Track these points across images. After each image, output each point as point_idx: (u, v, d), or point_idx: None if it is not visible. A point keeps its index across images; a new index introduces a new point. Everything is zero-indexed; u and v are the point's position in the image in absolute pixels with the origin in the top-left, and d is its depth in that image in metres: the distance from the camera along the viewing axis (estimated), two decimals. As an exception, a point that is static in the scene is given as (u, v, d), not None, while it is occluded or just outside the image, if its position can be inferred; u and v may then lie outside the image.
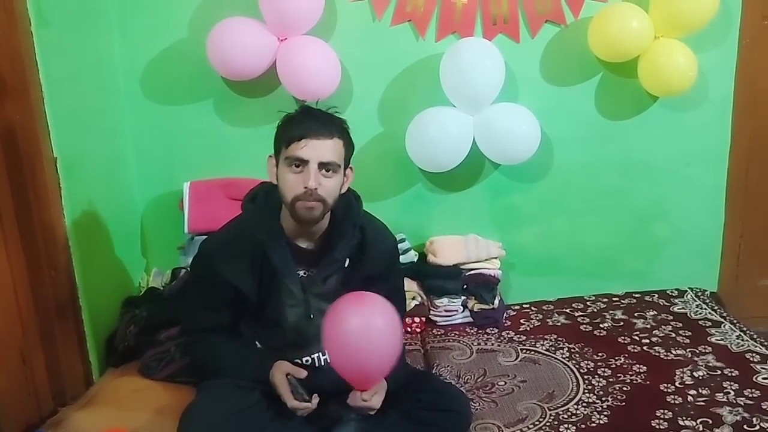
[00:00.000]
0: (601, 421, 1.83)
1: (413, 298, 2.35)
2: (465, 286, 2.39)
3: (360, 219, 1.70)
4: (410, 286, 2.37)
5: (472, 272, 2.40)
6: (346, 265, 1.69)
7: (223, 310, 1.69)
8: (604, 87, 2.44)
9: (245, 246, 1.64)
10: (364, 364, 1.49)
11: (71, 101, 2.03)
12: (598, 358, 2.14)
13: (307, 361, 1.70)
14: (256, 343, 1.72)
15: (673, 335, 2.26)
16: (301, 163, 1.55)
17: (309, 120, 1.58)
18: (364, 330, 1.47)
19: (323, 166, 1.56)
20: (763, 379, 1.97)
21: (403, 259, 2.40)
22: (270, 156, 1.65)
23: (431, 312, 2.39)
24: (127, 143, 2.41)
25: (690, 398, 1.90)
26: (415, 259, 2.46)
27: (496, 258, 2.44)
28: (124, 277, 2.36)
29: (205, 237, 1.90)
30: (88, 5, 2.19)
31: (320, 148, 1.55)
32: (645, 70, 2.34)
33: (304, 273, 1.68)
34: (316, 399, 1.57)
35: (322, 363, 1.71)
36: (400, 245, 2.40)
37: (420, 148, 2.33)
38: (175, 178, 2.39)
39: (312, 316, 1.68)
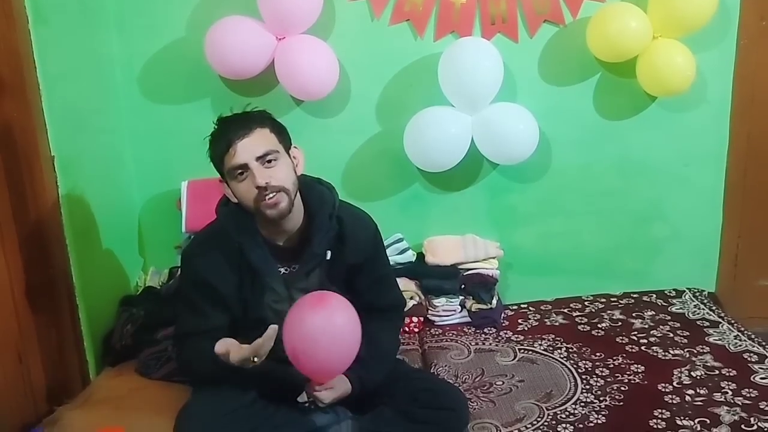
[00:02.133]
0: (599, 421, 1.83)
1: (411, 298, 2.34)
2: (463, 286, 2.39)
3: (335, 210, 1.68)
4: (408, 285, 2.36)
5: (470, 272, 2.40)
6: (328, 257, 1.68)
7: (209, 313, 1.66)
8: (603, 87, 2.44)
9: (223, 247, 1.63)
10: (317, 358, 1.50)
11: (69, 99, 2.03)
12: (596, 357, 2.13)
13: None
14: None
15: (671, 335, 2.26)
16: (241, 168, 1.55)
17: (225, 128, 1.58)
18: (322, 326, 1.47)
19: (261, 158, 1.55)
20: (761, 379, 1.97)
21: (400, 258, 2.41)
22: (220, 180, 1.64)
23: (429, 312, 2.39)
24: (125, 142, 2.40)
25: (688, 398, 1.90)
26: (413, 259, 2.45)
27: (494, 258, 2.44)
28: (121, 276, 2.35)
29: (181, 252, 1.89)
30: (86, 4, 2.19)
31: (249, 146, 1.54)
32: (643, 70, 2.33)
33: (286, 270, 1.68)
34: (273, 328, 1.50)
35: None
36: (397, 245, 2.42)
37: (418, 148, 2.33)
38: (173, 177, 2.38)
39: None
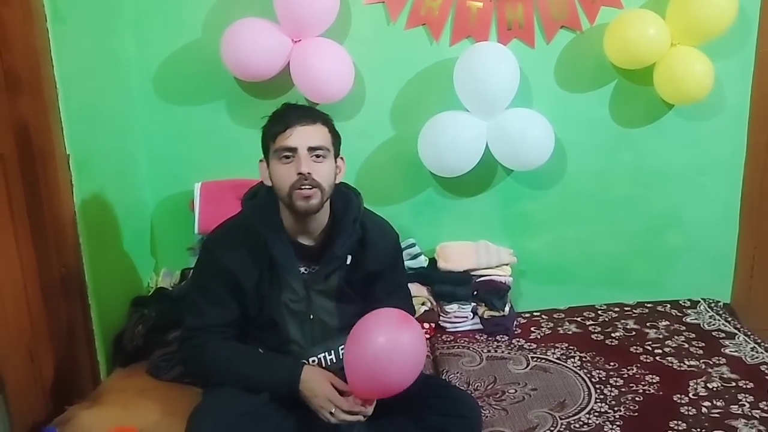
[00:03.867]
0: (614, 431, 1.80)
1: (423, 304, 2.33)
2: (475, 293, 2.37)
3: (360, 215, 1.69)
4: (420, 291, 2.35)
5: (483, 279, 2.38)
6: (348, 262, 1.68)
7: (228, 304, 1.65)
8: (619, 94, 2.42)
9: (247, 240, 1.63)
10: (383, 382, 1.48)
11: (85, 99, 2.03)
12: (610, 367, 2.11)
13: (313, 361, 1.69)
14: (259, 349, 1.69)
15: (686, 346, 2.23)
16: (291, 151, 1.56)
17: (291, 111, 1.61)
18: (391, 350, 1.46)
19: (312, 150, 1.57)
20: (779, 391, 1.95)
21: (412, 264, 2.40)
22: (261, 160, 1.66)
23: (440, 318, 2.37)
24: (139, 143, 2.40)
25: (704, 410, 1.88)
26: (425, 265, 2.44)
27: (507, 265, 2.42)
28: (133, 277, 2.35)
29: (202, 242, 1.89)
30: (104, 4, 2.20)
31: (306, 134, 1.57)
32: (661, 77, 2.32)
33: (306, 270, 1.67)
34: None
35: (329, 363, 1.69)
36: (409, 250, 2.41)
37: (432, 153, 2.32)
38: (186, 179, 2.38)
39: (312, 316, 1.68)
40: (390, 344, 1.46)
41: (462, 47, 2.34)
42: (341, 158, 1.68)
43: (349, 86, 2.28)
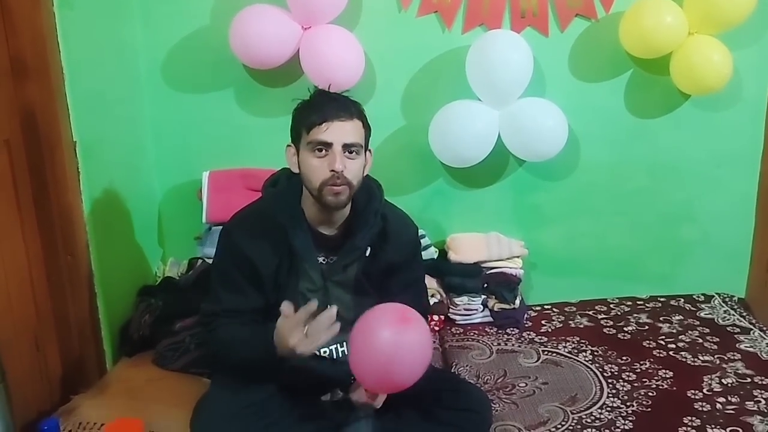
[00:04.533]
0: (626, 427, 1.78)
1: (432, 296, 2.30)
2: (485, 285, 2.35)
3: (382, 207, 1.67)
4: (430, 283, 2.31)
5: (493, 271, 2.36)
6: (367, 253, 1.66)
7: (247, 292, 1.62)
8: (635, 84, 2.38)
9: (267, 226, 1.60)
10: (391, 377, 1.44)
11: (92, 85, 2.00)
12: (623, 362, 2.08)
13: (325, 353, 1.67)
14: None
15: (700, 341, 2.20)
16: (325, 146, 1.53)
17: (328, 103, 1.56)
18: (397, 347, 1.41)
19: (347, 147, 1.54)
20: (795, 389, 1.91)
21: (423, 255, 2.34)
22: (288, 145, 1.62)
23: (450, 310, 2.35)
24: (147, 130, 2.38)
25: (719, 406, 1.85)
26: (435, 256, 2.42)
27: (518, 257, 2.39)
28: (140, 266, 2.33)
29: (222, 227, 1.86)
30: (111, -12, 2.17)
31: (343, 130, 1.53)
32: (678, 67, 2.27)
33: (324, 260, 1.65)
34: (333, 308, 1.47)
35: (340, 355, 1.67)
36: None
37: (443, 143, 2.29)
38: (194, 167, 2.36)
39: (329, 305, 1.64)
40: (394, 343, 1.42)
41: (474, 35, 2.31)
42: (369, 151, 1.65)
43: (359, 74, 2.25)
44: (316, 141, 1.53)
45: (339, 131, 1.52)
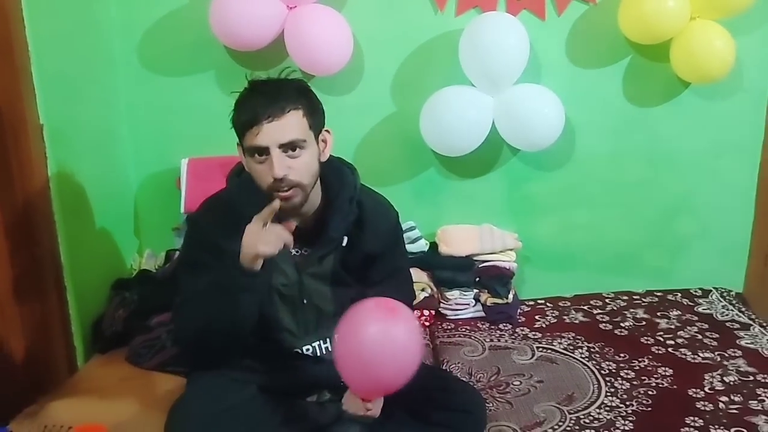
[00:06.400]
0: (627, 427, 1.71)
1: (422, 290, 2.24)
2: (477, 279, 2.28)
3: (357, 193, 1.57)
4: (420, 277, 2.26)
5: (486, 264, 2.29)
6: (344, 243, 1.56)
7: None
8: (633, 71, 2.32)
9: (234, 217, 1.47)
10: (380, 377, 1.35)
11: (61, 65, 1.90)
12: (620, 359, 2.02)
13: (307, 350, 1.58)
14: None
15: (700, 337, 2.14)
16: (261, 151, 1.41)
17: (256, 100, 1.42)
18: (385, 342, 1.32)
19: (285, 147, 1.41)
20: (800, 387, 1.85)
21: (412, 248, 2.30)
22: (238, 144, 1.50)
23: (441, 305, 2.28)
24: (122, 115, 2.28)
25: (722, 405, 1.78)
26: (426, 249, 2.34)
27: (511, 250, 2.32)
28: (114, 258, 2.23)
29: (186, 217, 1.76)
30: (83, -38, 2.06)
31: (276, 130, 1.40)
32: (678, 53, 2.20)
33: (298, 252, 1.55)
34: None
35: (323, 353, 1.59)
36: (409, 233, 2.31)
37: (435, 130, 2.21)
38: (173, 155, 2.27)
39: (305, 300, 1.56)
40: (379, 340, 1.32)
41: (468, 17, 2.23)
42: (326, 131, 1.53)
43: (347, 58, 2.17)
44: (251, 147, 1.42)
45: (271, 132, 1.39)
